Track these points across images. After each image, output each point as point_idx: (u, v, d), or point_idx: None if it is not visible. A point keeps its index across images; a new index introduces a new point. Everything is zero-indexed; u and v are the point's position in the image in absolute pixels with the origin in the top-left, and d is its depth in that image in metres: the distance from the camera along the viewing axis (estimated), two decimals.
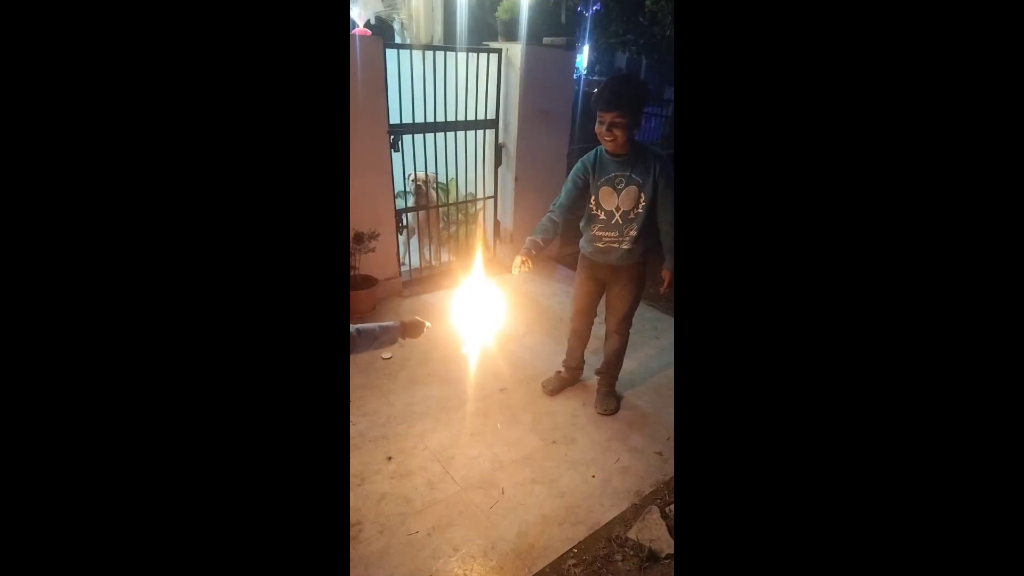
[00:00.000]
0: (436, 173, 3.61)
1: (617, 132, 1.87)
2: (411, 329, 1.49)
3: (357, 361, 2.64)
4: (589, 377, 2.58)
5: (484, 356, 2.74)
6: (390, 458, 2.06)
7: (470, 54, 3.35)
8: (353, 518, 1.78)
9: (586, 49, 5.66)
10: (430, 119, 3.29)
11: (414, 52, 3.20)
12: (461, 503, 1.88)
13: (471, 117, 3.50)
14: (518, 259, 2.02)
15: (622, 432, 2.28)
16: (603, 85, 1.87)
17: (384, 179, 3.13)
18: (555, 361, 2.70)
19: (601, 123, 1.89)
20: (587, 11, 4.58)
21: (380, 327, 1.39)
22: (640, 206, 2.00)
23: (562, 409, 2.41)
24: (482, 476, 2.00)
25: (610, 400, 2.42)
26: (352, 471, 1.98)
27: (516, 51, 3.37)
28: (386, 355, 2.74)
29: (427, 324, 1.54)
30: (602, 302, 2.33)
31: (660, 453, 2.17)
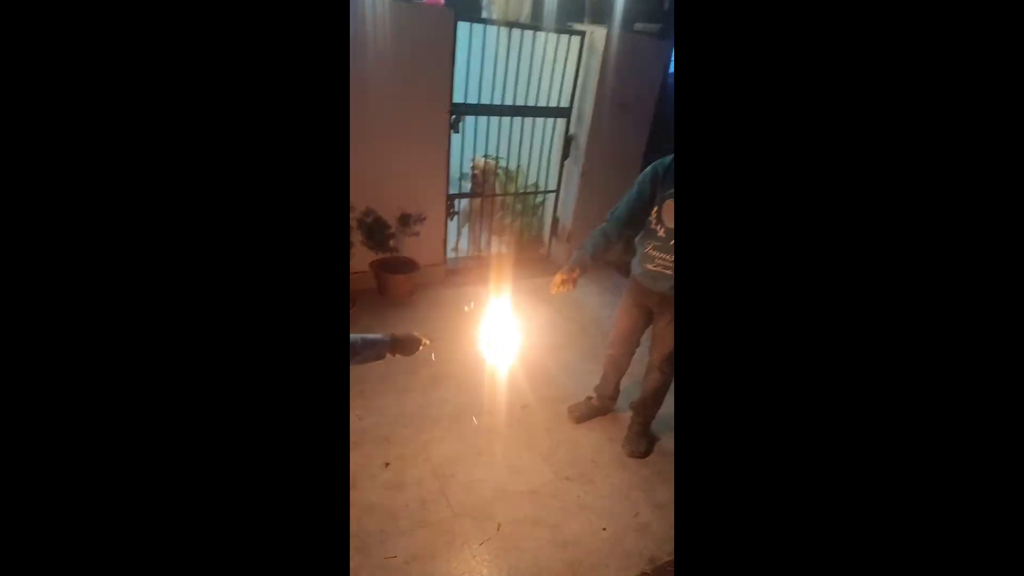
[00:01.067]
0: (498, 159, 3.42)
1: None
2: (403, 346, 1.30)
3: None
4: (623, 408, 2.31)
5: (511, 367, 2.53)
6: (388, 464, 1.92)
7: (551, 35, 3.08)
8: None
9: None
10: (498, 101, 3.08)
11: (490, 28, 2.97)
12: (450, 532, 1.70)
13: (542, 103, 3.25)
14: (558, 276, 1.78)
15: (648, 481, 2.00)
16: None
17: (439, 160, 2.97)
18: (588, 384, 2.44)
19: None
20: None
21: (363, 339, 1.21)
22: None
23: (585, 441, 2.16)
24: (480, 504, 1.81)
25: (641, 441, 2.13)
26: None
27: (600, 35, 3.05)
28: (427, 341, 2.60)
29: (425, 341, 1.35)
30: (648, 332, 2.04)
31: None
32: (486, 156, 3.41)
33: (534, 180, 3.60)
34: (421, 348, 1.34)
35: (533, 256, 3.81)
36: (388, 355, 1.28)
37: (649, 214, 1.78)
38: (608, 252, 1.85)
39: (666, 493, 1.95)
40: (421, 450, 2.00)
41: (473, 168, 3.40)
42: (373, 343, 1.23)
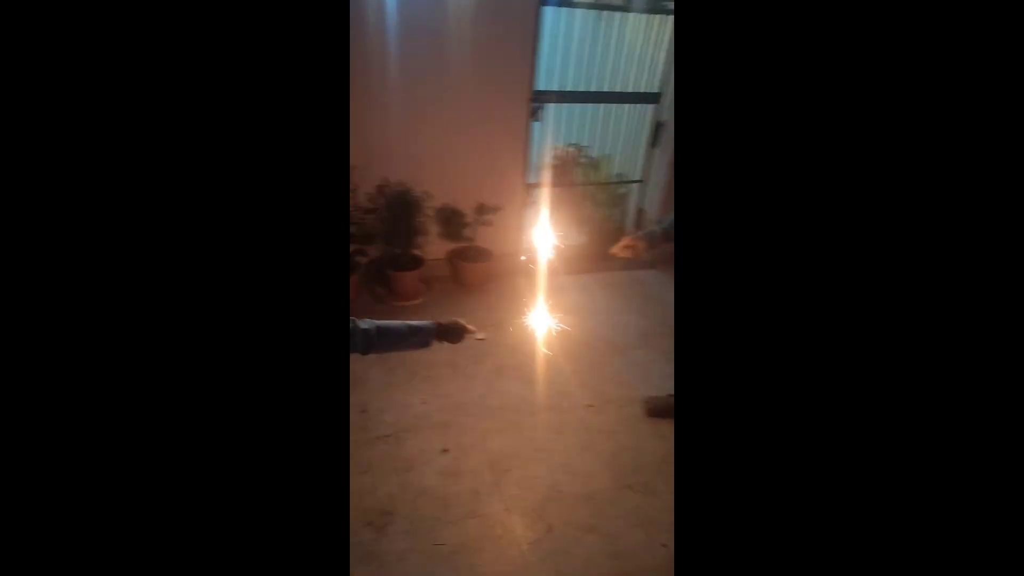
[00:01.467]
0: (582, 148, 3.31)
1: None
2: (449, 332, 1.28)
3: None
4: None
5: (580, 362, 2.45)
6: (446, 450, 1.93)
7: (639, 16, 2.90)
8: (386, 507, 1.70)
9: None
10: (584, 87, 2.97)
11: (577, 11, 2.86)
12: (499, 527, 1.67)
13: (631, 88, 3.08)
14: (624, 240, 1.73)
15: None
16: None
17: (517, 149, 2.93)
18: (662, 387, 2.29)
19: None
20: None
21: (408, 326, 1.20)
22: None
23: (651, 448, 2.03)
24: (532, 502, 1.76)
25: None
26: (404, 454, 1.90)
27: None
28: (480, 335, 2.61)
29: (474, 331, 1.32)
30: None
31: None
32: (570, 145, 3.32)
33: (619, 170, 3.45)
34: (467, 337, 1.32)
35: (615, 250, 3.66)
36: (435, 343, 1.27)
37: None
38: None
39: None
40: (479, 440, 1.99)
41: (554, 157, 3.32)
42: (418, 330, 1.22)
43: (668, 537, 1.68)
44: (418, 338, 1.22)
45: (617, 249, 1.77)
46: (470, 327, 1.33)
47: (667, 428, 2.13)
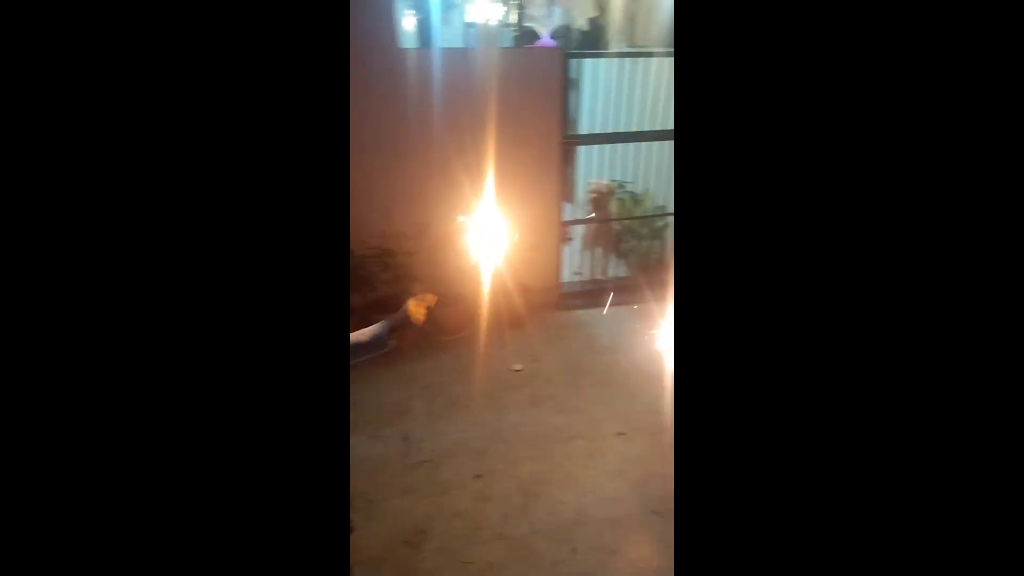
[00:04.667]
0: (623, 184, 3.46)
1: None
2: (400, 327, 1.26)
3: (486, 368, 2.70)
4: None
5: (614, 391, 2.51)
6: (479, 476, 2.05)
7: (666, 59, 3.06)
8: (422, 526, 1.83)
9: None
10: (621, 128, 3.14)
11: (610, 60, 3.06)
12: (525, 548, 1.75)
13: (665, 127, 3.21)
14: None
15: None
16: None
17: (550, 189, 3.10)
18: None
19: None
20: None
21: (360, 341, 1.21)
22: None
23: None
24: (559, 526, 1.83)
25: None
26: (440, 479, 2.04)
27: None
28: (517, 367, 2.74)
29: (423, 300, 1.29)
30: None
31: None
32: (612, 181, 3.47)
33: (661, 203, 3.54)
34: (423, 311, 1.29)
35: (654, 280, 3.71)
36: (393, 340, 1.25)
37: None
38: None
39: None
40: (511, 467, 2.10)
41: (591, 192, 3.47)
42: (372, 340, 1.22)
43: None
44: (375, 345, 1.22)
45: None
46: (425, 297, 1.30)
47: None
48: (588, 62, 3.07)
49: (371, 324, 1.26)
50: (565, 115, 2.95)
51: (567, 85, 2.91)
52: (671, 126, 3.18)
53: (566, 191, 3.34)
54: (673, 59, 3.01)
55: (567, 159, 3.13)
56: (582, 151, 3.59)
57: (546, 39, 3.02)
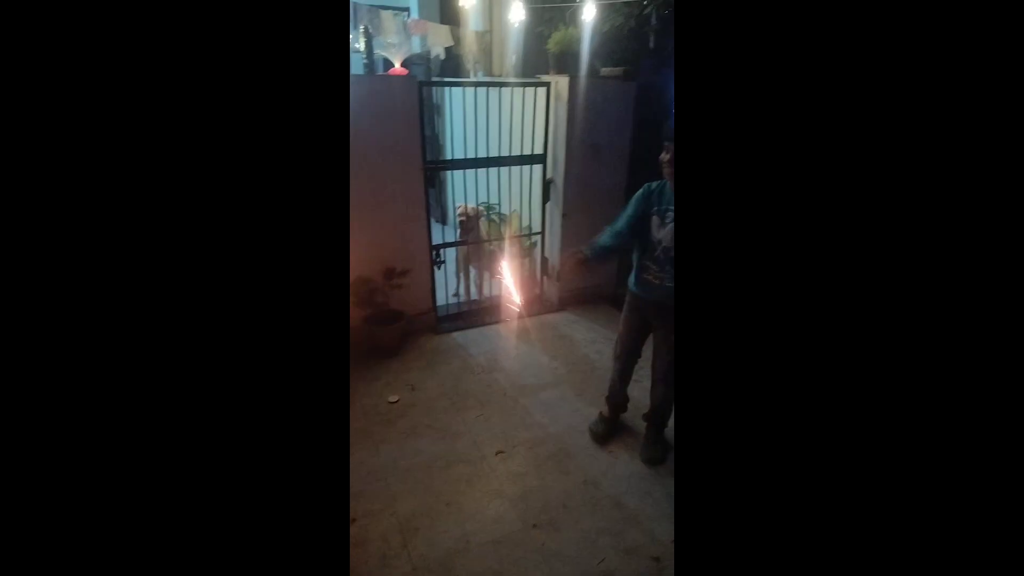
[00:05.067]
0: (490, 206, 3.56)
1: None
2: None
3: (359, 404, 2.59)
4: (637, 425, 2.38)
5: (492, 410, 2.55)
6: (354, 520, 1.95)
7: (518, 89, 3.24)
8: None
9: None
10: (480, 154, 3.24)
11: (467, 89, 3.15)
12: None
13: (522, 152, 3.38)
14: (567, 259, 2.00)
15: (619, 525, 1.94)
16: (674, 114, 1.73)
17: (417, 214, 3.10)
18: (570, 423, 2.43)
19: (667, 152, 1.78)
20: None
21: None
22: None
23: (558, 485, 2.13)
24: (440, 559, 1.80)
25: (655, 448, 2.24)
26: None
27: (564, 84, 3.18)
28: (393, 398, 2.66)
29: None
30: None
31: (657, 559, 1.81)
32: (479, 204, 3.55)
33: (527, 224, 3.71)
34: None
35: (528, 296, 3.86)
36: None
37: (642, 228, 1.95)
38: (606, 256, 2.01)
39: (637, 537, 1.89)
40: (389, 504, 2.02)
41: (460, 215, 3.52)
42: None
43: (571, 569, 1.76)
44: None
45: (565, 269, 2.01)
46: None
47: (571, 463, 2.24)
48: (452, 90, 3.14)
49: None
50: (422, 141, 2.97)
51: (423, 112, 2.95)
52: (528, 152, 3.37)
53: (438, 215, 3.35)
54: (523, 89, 3.20)
55: (434, 184, 3.15)
56: (452, 176, 3.64)
57: (399, 68, 3.04)
